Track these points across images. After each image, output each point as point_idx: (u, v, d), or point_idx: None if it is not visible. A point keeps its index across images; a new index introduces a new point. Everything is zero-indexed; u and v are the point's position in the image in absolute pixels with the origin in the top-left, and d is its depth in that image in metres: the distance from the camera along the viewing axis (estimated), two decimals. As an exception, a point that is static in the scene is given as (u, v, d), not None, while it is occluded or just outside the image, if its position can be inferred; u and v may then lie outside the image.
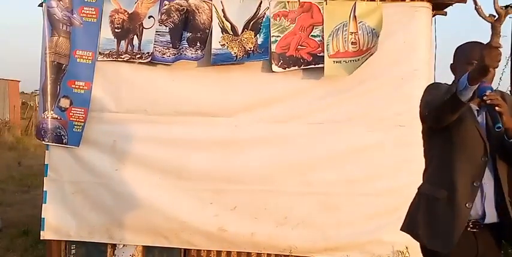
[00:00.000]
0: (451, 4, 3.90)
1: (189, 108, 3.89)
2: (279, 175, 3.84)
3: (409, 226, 2.45)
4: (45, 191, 3.99)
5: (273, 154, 3.83)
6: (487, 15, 2.14)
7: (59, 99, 3.93)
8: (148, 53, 3.87)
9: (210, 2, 3.85)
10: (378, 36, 3.71)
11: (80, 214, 3.96)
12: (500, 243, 2.35)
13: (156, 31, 3.88)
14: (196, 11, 3.86)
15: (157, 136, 3.91)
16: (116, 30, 3.89)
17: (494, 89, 2.18)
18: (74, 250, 4.03)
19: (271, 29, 3.82)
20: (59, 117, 3.93)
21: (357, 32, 3.78)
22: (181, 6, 3.87)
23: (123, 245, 3.99)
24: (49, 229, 3.99)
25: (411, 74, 3.78)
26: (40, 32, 3.92)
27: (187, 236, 3.90)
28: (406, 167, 3.60)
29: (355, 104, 3.81)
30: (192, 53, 3.82)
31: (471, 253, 2.27)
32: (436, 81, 3.82)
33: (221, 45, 3.82)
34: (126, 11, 3.90)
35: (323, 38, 3.81)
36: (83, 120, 3.90)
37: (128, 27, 3.89)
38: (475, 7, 2.16)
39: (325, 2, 3.82)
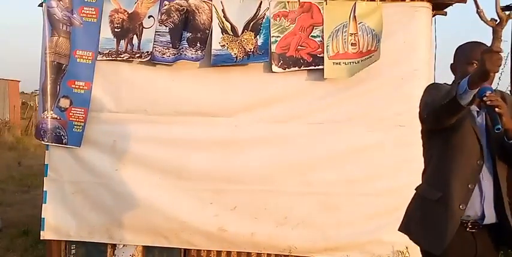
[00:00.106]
0: (451, 4, 3.90)
1: (189, 108, 3.89)
2: (279, 175, 3.84)
3: (406, 226, 2.46)
4: (45, 191, 3.99)
5: (273, 154, 3.83)
6: (489, 19, 2.14)
7: (59, 99, 3.93)
8: (147, 52, 3.87)
9: (210, 2, 3.85)
10: (379, 40, 3.72)
11: (80, 214, 3.96)
12: (499, 243, 2.35)
13: (156, 31, 3.88)
14: (196, 11, 3.86)
15: (157, 136, 3.91)
16: (116, 29, 3.89)
17: (494, 88, 2.18)
18: (74, 250, 4.03)
19: (271, 29, 3.82)
20: (58, 118, 3.93)
21: (357, 33, 3.78)
22: (181, 6, 3.87)
23: (123, 245, 3.99)
24: (49, 229, 3.99)
25: (411, 74, 3.78)
26: (40, 32, 3.93)
27: (187, 236, 3.90)
28: (406, 167, 3.60)
29: (355, 104, 3.81)
30: (192, 54, 3.82)
31: (470, 253, 2.27)
32: (436, 81, 3.84)
33: (221, 46, 3.83)
34: (126, 11, 3.90)
35: (323, 39, 3.81)
36: (83, 121, 3.90)
37: (128, 27, 3.89)
38: (477, 11, 2.15)
39: (325, 2, 3.82)
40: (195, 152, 3.86)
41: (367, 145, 3.82)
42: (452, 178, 2.25)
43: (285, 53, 3.82)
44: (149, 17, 3.88)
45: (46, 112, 3.93)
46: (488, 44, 2.09)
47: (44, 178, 4.02)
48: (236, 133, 3.86)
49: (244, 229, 3.86)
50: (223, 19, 3.85)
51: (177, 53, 3.85)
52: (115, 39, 3.89)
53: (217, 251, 3.96)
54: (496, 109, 2.01)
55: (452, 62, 2.42)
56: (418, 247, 2.43)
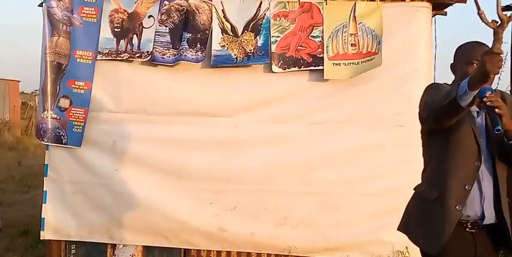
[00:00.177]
0: (451, 4, 3.90)
1: (189, 108, 3.89)
2: (279, 175, 3.84)
3: (405, 225, 2.47)
4: (45, 191, 3.99)
5: (273, 154, 3.83)
6: (490, 21, 2.14)
7: (59, 99, 3.92)
8: (148, 52, 3.87)
9: (210, 2, 3.85)
10: (380, 42, 3.72)
11: (80, 214, 3.96)
12: (499, 243, 2.35)
13: (156, 31, 3.88)
14: (196, 11, 3.86)
15: (157, 136, 3.91)
16: (116, 29, 3.89)
17: (494, 88, 2.17)
18: (74, 250, 4.03)
19: (271, 29, 3.82)
20: (58, 118, 3.93)
21: (357, 33, 3.79)
22: (181, 6, 3.87)
23: (123, 245, 3.99)
24: (49, 229, 3.99)
25: (411, 74, 3.79)
26: (40, 32, 3.93)
27: (187, 236, 3.90)
28: (406, 167, 3.60)
29: (355, 104, 3.81)
30: (192, 55, 3.82)
31: (469, 253, 2.27)
32: (436, 81, 3.84)
33: (221, 46, 3.83)
34: (125, 11, 3.90)
35: (323, 39, 3.81)
36: (82, 121, 3.90)
37: (128, 27, 3.89)
38: (478, 12, 2.15)
39: (325, 2, 3.82)
40: (195, 152, 3.86)
41: (367, 145, 3.82)
42: (450, 179, 2.25)
43: (284, 53, 3.82)
44: (149, 16, 3.88)
45: (46, 112, 3.93)
46: (488, 44, 2.09)
47: (44, 178, 4.02)
48: (236, 133, 3.86)
49: (244, 229, 3.86)
50: (223, 19, 3.85)
51: (177, 54, 3.85)
52: (115, 39, 3.89)
53: (217, 251, 3.96)
54: (496, 110, 2.01)
55: (452, 62, 2.42)
56: (418, 247, 2.43)
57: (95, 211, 3.95)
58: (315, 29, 3.83)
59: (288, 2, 3.83)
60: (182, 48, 3.83)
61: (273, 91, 3.86)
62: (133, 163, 3.91)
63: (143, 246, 4.00)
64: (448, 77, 2.49)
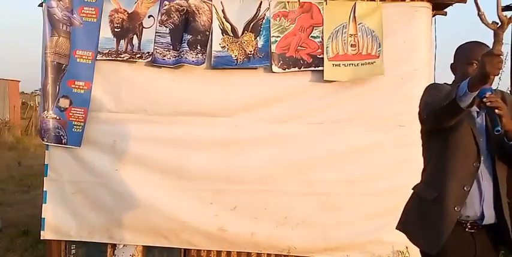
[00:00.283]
0: (451, 4, 3.90)
1: (189, 108, 3.89)
2: (279, 175, 3.84)
3: (403, 225, 2.47)
4: (45, 191, 3.99)
5: (273, 154, 3.83)
6: (490, 22, 2.14)
7: (58, 99, 3.93)
8: (148, 52, 3.87)
9: (210, 2, 3.85)
10: (380, 45, 3.73)
11: (80, 214, 3.96)
12: (498, 243, 2.35)
13: (157, 32, 3.88)
14: (197, 12, 3.85)
15: (157, 136, 3.91)
16: (116, 29, 3.89)
17: (494, 88, 2.17)
18: (74, 250, 4.03)
19: (271, 30, 3.82)
20: (58, 117, 3.93)
21: (356, 34, 3.79)
22: (182, 6, 3.87)
23: (123, 245, 3.99)
24: (49, 229, 3.99)
25: (411, 74, 3.79)
26: (40, 32, 3.93)
27: (187, 236, 3.90)
28: (406, 167, 3.60)
29: (355, 104, 3.81)
30: (192, 57, 3.82)
31: (469, 254, 2.27)
32: (436, 81, 3.84)
33: (221, 47, 3.83)
34: (125, 11, 3.90)
35: (323, 40, 3.81)
36: (82, 121, 3.90)
37: (128, 27, 3.89)
38: (478, 13, 2.16)
39: (325, 2, 3.82)
40: (195, 152, 3.86)
41: (367, 145, 3.82)
42: (449, 179, 2.25)
43: (284, 53, 3.82)
44: (149, 16, 3.89)
45: (46, 112, 3.93)
46: (489, 44, 2.09)
47: (44, 178, 4.02)
48: (236, 133, 3.86)
49: (244, 229, 3.86)
50: (223, 20, 3.85)
51: (178, 56, 3.85)
52: (115, 39, 3.90)
53: (217, 251, 3.96)
54: (496, 111, 2.01)
55: (452, 62, 2.42)
56: (417, 247, 2.43)
57: (95, 211, 3.95)
58: (315, 29, 3.83)
59: (288, 2, 3.83)
60: (183, 51, 3.83)
61: (273, 91, 3.86)
62: (133, 163, 3.91)
63: (143, 246, 4.00)
64: (448, 77, 2.49)
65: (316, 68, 3.81)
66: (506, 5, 4.24)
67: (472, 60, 2.26)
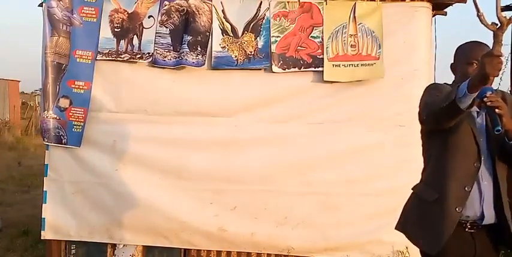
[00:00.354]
0: (451, 4, 3.90)
1: (189, 108, 3.89)
2: (279, 175, 3.84)
3: (403, 226, 2.46)
4: (45, 191, 3.99)
5: (273, 154, 3.83)
6: (489, 23, 2.14)
7: (58, 99, 3.92)
8: (149, 53, 3.87)
9: (210, 2, 3.85)
10: (380, 46, 3.73)
11: (80, 214, 3.96)
12: (498, 243, 2.35)
13: (157, 32, 3.88)
14: (197, 12, 3.85)
15: (157, 136, 3.91)
16: (116, 29, 3.89)
17: (495, 88, 2.17)
18: (74, 250, 4.03)
19: (271, 29, 3.82)
20: (58, 117, 3.93)
21: (356, 34, 3.79)
22: (182, 6, 3.87)
23: (123, 245, 3.99)
24: (49, 228, 3.98)
25: (411, 74, 3.79)
26: (40, 32, 3.92)
27: (187, 236, 3.90)
28: (406, 167, 3.60)
29: (355, 104, 3.81)
30: (193, 58, 3.82)
31: (469, 254, 2.27)
32: (436, 81, 3.84)
33: (221, 47, 3.83)
34: (125, 11, 3.90)
35: (323, 40, 3.81)
36: (82, 120, 3.90)
37: (128, 27, 3.89)
38: (477, 14, 2.16)
39: (325, 2, 3.82)
40: (195, 152, 3.86)
41: (367, 145, 3.82)
42: (449, 180, 2.24)
43: (284, 53, 3.82)
44: (149, 17, 3.88)
45: (46, 112, 3.93)
46: (488, 43, 2.09)
47: (44, 178, 4.02)
48: (236, 133, 3.86)
49: (244, 229, 3.86)
50: (223, 20, 3.85)
51: (178, 57, 3.85)
52: (115, 39, 3.89)
53: (217, 251, 3.96)
54: (496, 110, 2.00)
55: (452, 62, 2.42)
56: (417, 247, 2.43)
57: (95, 210, 3.95)
58: (315, 29, 3.83)
59: (288, 2, 3.83)
60: (183, 52, 3.83)
61: (273, 91, 3.86)
62: (133, 163, 3.91)
63: (143, 246, 4.00)
64: (448, 77, 2.49)
65: (316, 69, 3.81)
66: (506, 5, 4.24)
67: (472, 60, 2.26)
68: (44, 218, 3.99)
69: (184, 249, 3.98)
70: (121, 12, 3.89)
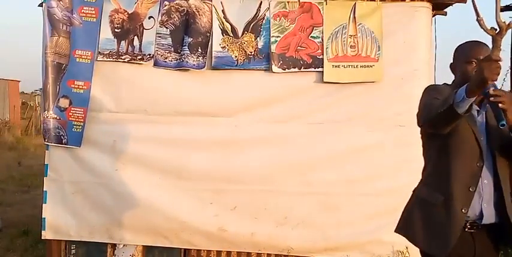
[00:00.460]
0: (451, 4, 3.90)
1: (189, 108, 3.89)
2: (279, 175, 3.84)
3: (405, 229, 2.44)
4: (45, 191, 3.99)
5: (273, 154, 3.83)
6: (489, 28, 2.15)
7: (59, 99, 3.93)
8: (149, 54, 3.87)
9: (210, 2, 3.85)
10: (379, 48, 3.73)
11: (80, 214, 3.96)
12: (498, 243, 2.34)
13: (157, 33, 3.88)
14: (197, 13, 3.85)
15: (157, 136, 3.91)
16: (116, 30, 3.89)
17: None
18: (74, 250, 4.03)
19: (271, 29, 3.82)
20: (58, 117, 3.93)
21: (356, 34, 3.79)
22: (182, 6, 3.87)
23: (123, 245, 3.99)
24: (50, 228, 3.99)
25: (411, 74, 3.79)
26: (40, 32, 3.93)
27: (187, 236, 3.90)
28: (406, 167, 3.60)
29: (355, 104, 3.81)
30: (194, 61, 3.82)
31: (469, 254, 2.26)
32: (436, 81, 3.85)
33: (221, 47, 3.83)
34: (126, 11, 3.90)
35: (322, 40, 3.81)
36: (82, 120, 3.90)
37: (128, 28, 3.89)
38: (477, 19, 2.16)
39: (325, 2, 3.82)
40: (195, 152, 3.86)
41: (367, 145, 3.82)
42: (453, 181, 2.23)
43: (284, 53, 3.82)
44: (149, 17, 3.88)
45: (46, 112, 3.93)
46: (487, 43, 2.09)
47: (44, 178, 4.02)
48: (236, 133, 3.86)
49: (244, 229, 3.87)
50: (224, 20, 3.85)
51: (179, 59, 3.85)
52: (115, 40, 3.89)
53: (217, 251, 3.96)
54: (500, 105, 1.99)
55: (451, 61, 2.42)
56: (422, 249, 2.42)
57: (95, 210, 3.95)
58: (315, 29, 3.83)
59: (288, 2, 3.83)
60: (184, 54, 3.83)
61: (273, 91, 3.86)
62: (133, 163, 3.91)
63: (143, 246, 4.00)
64: (448, 77, 2.49)
65: (316, 69, 3.81)
66: (506, 5, 4.25)
67: (471, 59, 2.26)
68: (44, 218, 3.99)
69: (184, 249, 3.98)
70: (121, 13, 3.89)
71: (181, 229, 3.89)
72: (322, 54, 3.81)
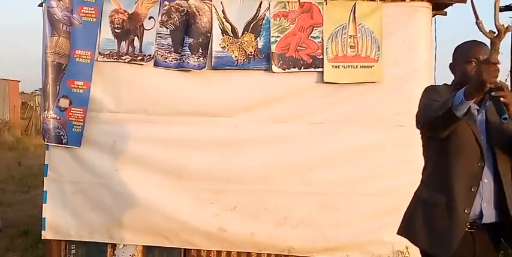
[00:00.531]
0: (451, 4, 3.91)
1: (189, 108, 3.89)
2: (279, 175, 3.84)
3: (407, 231, 2.43)
4: (45, 191, 3.99)
5: (273, 154, 3.83)
6: (487, 31, 2.16)
7: (59, 99, 3.93)
8: (150, 55, 3.87)
9: (210, 2, 3.85)
10: (379, 48, 3.74)
11: (80, 213, 3.96)
12: (499, 243, 2.34)
13: (157, 33, 3.88)
14: (197, 13, 3.86)
15: (157, 136, 3.91)
16: (116, 30, 3.89)
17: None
18: (74, 250, 4.03)
19: (271, 29, 3.82)
20: (58, 117, 3.93)
21: (356, 35, 3.79)
22: (182, 6, 3.87)
23: (123, 245, 3.99)
24: (50, 228, 3.99)
25: (411, 74, 3.79)
26: (40, 32, 3.93)
27: (187, 236, 3.91)
28: (406, 167, 3.60)
29: (355, 104, 3.81)
30: (194, 61, 3.82)
31: (469, 254, 2.26)
32: (436, 81, 3.86)
33: (221, 47, 3.83)
34: (126, 11, 3.90)
35: (322, 40, 3.82)
36: (82, 120, 3.90)
37: (128, 28, 3.89)
38: (476, 22, 2.17)
39: (325, 2, 3.82)
40: (195, 152, 3.86)
41: (367, 145, 3.82)
42: (454, 182, 2.23)
43: (284, 53, 3.82)
44: (150, 18, 3.88)
45: (46, 112, 3.93)
46: (487, 43, 2.09)
47: (44, 178, 4.02)
48: (236, 133, 3.86)
49: (244, 229, 3.87)
50: (224, 20, 3.85)
51: (179, 59, 3.85)
52: (116, 40, 3.90)
53: (217, 251, 3.96)
54: (502, 99, 1.99)
55: (451, 61, 2.42)
56: (418, 248, 2.42)
57: (95, 210, 3.95)
58: (315, 29, 3.83)
59: (288, 2, 3.83)
60: (184, 55, 3.84)
61: (273, 91, 3.86)
62: (133, 163, 3.91)
63: (143, 246, 4.00)
64: (448, 77, 2.49)
65: (316, 69, 3.81)
66: (507, 5, 4.25)
67: (470, 58, 2.26)
68: (44, 218, 3.99)
69: (184, 249, 3.98)
70: (121, 13, 3.89)
71: (181, 229, 3.89)
72: (322, 55, 3.81)
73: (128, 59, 3.89)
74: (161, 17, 3.88)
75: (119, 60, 3.89)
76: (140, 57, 3.88)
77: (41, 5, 3.95)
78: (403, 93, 3.73)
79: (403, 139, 3.70)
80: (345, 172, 3.80)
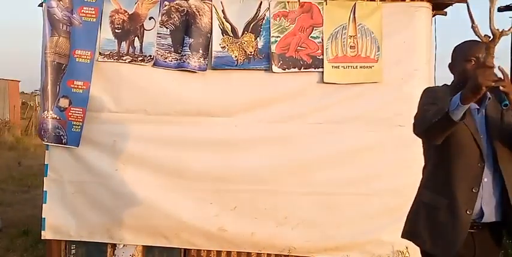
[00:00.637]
0: (451, 4, 3.91)
1: (189, 108, 3.89)
2: (279, 175, 3.84)
3: (411, 233, 2.43)
4: (45, 191, 3.99)
5: (273, 154, 3.83)
6: (483, 35, 2.17)
7: (58, 99, 3.93)
8: (150, 56, 3.87)
9: (210, 2, 3.85)
10: (379, 48, 3.74)
11: (80, 213, 3.96)
12: (499, 242, 2.34)
13: (158, 33, 3.88)
14: (197, 13, 3.86)
15: (157, 136, 3.91)
16: (116, 30, 3.89)
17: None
18: (74, 250, 4.03)
19: (271, 30, 3.82)
20: (58, 117, 3.93)
21: (356, 35, 3.79)
22: (182, 6, 3.87)
23: (123, 245, 3.99)
24: (50, 228, 3.99)
25: (411, 74, 3.79)
26: (40, 32, 3.93)
27: (187, 236, 3.91)
28: (406, 167, 3.60)
29: (355, 104, 3.81)
30: (195, 62, 3.83)
31: (469, 254, 2.26)
32: (436, 81, 3.86)
33: (221, 47, 3.83)
34: (126, 12, 3.90)
35: (322, 40, 3.82)
36: (81, 120, 3.90)
37: (129, 28, 3.89)
38: (472, 26, 2.18)
39: (325, 3, 3.82)
40: (195, 152, 3.86)
41: (367, 145, 3.82)
42: (455, 183, 2.23)
43: (284, 54, 3.83)
44: (150, 18, 3.88)
45: (46, 112, 3.93)
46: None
47: (44, 178, 4.02)
48: (236, 132, 3.87)
49: (244, 229, 3.87)
50: (224, 20, 3.85)
51: (180, 60, 3.85)
52: (116, 41, 3.90)
53: (217, 251, 3.96)
54: (501, 88, 1.99)
55: (450, 62, 2.42)
56: (418, 247, 2.42)
57: (95, 210, 3.95)
58: (315, 29, 3.83)
59: (288, 2, 3.83)
60: (185, 55, 3.84)
61: (273, 91, 3.87)
62: (133, 163, 3.91)
63: (143, 246, 4.00)
64: (448, 77, 2.49)
65: (316, 69, 3.82)
66: (507, 5, 4.25)
67: (469, 57, 2.26)
68: (44, 218, 3.99)
69: (184, 249, 3.98)
70: (121, 13, 3.89)
71: (181, 229, 3.89)
72: (322, 55, 3.81)
73: (129, 60, 3.89)
74: (161, 17, 3.88)
75: (119, 61, 3.89)
76: (141, 58, 3.88)
77: (41, 5, 3.95)
78: (403, 94, 3.73)
79: (403, 139, 3.69)
80: (345, 172, 3.80)
